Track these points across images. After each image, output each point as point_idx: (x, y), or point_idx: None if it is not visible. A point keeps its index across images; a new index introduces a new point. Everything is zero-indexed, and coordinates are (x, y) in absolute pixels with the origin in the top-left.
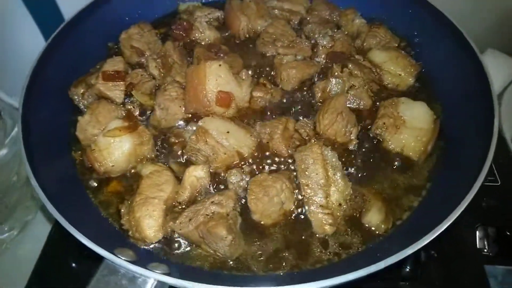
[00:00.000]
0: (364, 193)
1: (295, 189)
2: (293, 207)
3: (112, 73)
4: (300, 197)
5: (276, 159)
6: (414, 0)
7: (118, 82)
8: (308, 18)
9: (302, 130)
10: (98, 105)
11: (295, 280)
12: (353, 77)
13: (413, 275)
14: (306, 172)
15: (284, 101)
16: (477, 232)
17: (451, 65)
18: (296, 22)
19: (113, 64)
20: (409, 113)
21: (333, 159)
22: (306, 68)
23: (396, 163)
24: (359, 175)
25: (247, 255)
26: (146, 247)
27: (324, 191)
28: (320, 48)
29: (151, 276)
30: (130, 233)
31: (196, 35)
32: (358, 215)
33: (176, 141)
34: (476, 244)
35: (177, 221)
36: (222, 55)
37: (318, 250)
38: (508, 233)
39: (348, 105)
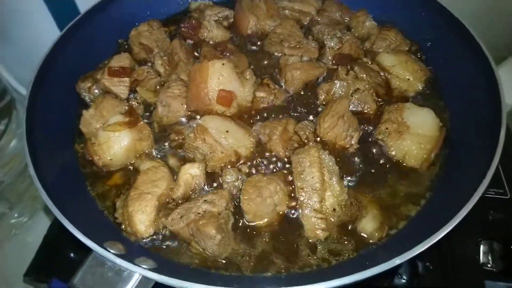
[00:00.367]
0: (361, 200)
1: (290, 191)
2: (287, 209)
3: (118, 69)
4: (294, 200)
5: (274, 160)
6: (428, 4)
7: (123, 78)
8: (318, 19)
9: (301, 132)
10: (103, 99)
11: (282, 283)
12: (358, 80)
13: (409, 286)
14: (302, 175)
15: (287, 102)
16: (481, 246)
17: (463, 74)
18: (306, 23)
19: (120, 60)
20: (414, 119)
21: (330, 163)
22: (311, 69)
23: (396, 170)
24: (357, 181)
25: (237, 255)
26: (138, 242)
27: (319, 195)
28: (328, 50)
29: (136, 271)
30: (123, 226)
31: (205, 33)
32: (352, 222)
33: (176, 138)
34: (479, 258)
35: (169, 218)
36: (228, 54)
37: (307, 254)
38: None
39: (352, 109)
